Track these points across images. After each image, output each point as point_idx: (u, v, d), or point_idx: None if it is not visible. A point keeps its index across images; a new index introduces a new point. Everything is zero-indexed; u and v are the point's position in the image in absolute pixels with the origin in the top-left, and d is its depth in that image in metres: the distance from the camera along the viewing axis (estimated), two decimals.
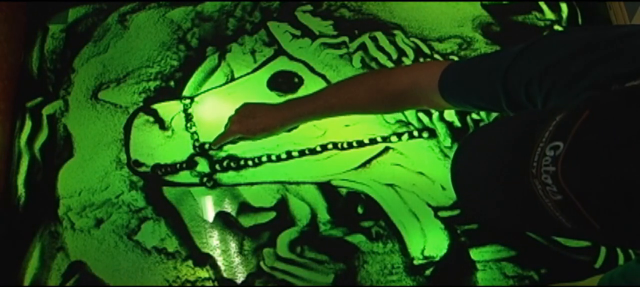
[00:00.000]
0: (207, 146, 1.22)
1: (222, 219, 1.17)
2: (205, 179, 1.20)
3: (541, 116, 0.46)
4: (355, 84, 0.89)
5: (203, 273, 1.12)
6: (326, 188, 1.18)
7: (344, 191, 1.18)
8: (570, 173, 0.40)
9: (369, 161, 1.20)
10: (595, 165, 0.39)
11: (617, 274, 0.72)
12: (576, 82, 0.51)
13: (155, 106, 1.28)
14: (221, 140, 1.13)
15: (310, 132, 1.22)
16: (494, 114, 1.22)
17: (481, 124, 1.20)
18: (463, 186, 0.53)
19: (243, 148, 1.22)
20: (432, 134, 1.21)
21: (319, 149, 1.21)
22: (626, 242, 0.42)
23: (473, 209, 0.54)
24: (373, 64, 1.28)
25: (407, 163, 1.19)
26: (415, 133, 1.21)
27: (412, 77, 0.78)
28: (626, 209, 0.38)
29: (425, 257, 1.11)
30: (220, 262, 1.13)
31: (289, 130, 1.14)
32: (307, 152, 1.21)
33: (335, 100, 0.91)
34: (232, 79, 1.31)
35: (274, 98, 1.27)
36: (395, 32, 1.33)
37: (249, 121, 1.02)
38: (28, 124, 1.30)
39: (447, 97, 0.73)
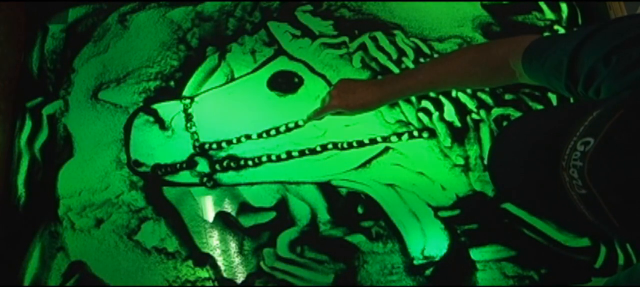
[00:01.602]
0: (301, 122, 1.21)
1: (222, 219, 1.17)
2: (205, 179, 1.20)
3: (581, 110, 0.46)
4: (454, 59, 0.90)
5: (203, 273, 1.12)
6: (326, 188, 1.18)
7: (344, 191, 1.18)
8: (595, 170, 0.41)
9: (369, 161, 1.20)
10: (620, 165, 0.39)
11: (623, 277, 0.72)
12: (630, 71, 0.51)
13: (155, 106, 1.28)
14: (319, 114, 1.10)
15: (310, 132, 1.22)
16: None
17: (481, 124, 1.20)
18: (500, 166, 0.54)
19: (243, 148, 1.22)
20: (432, 134, 1.21)
21: (319, 149, 1.21)
22: None
23: (506, 188, 0.56)
24: (373, 64, 1.28)
25: (407, 163, 1.19)
26: (415, 133, 1.21)
27: (507, 49, 0.78)
28: None
29: (425, 257, 1.11)
30: (220, 262, 1.13)
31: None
32: (307, 152, 1.21)
33: (434, 75, 0.91)
34: (232, 79, 1.31)
35: (274, 98, 1.27)
36: (395, 32, 1.33)
37: (349, 96, 1.02)
38: (28, 124, 1.30)
39: (527, 70, 0.73)
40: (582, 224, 0.47)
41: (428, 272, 1.10)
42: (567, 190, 0.44)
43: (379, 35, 1.33)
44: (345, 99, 1.02)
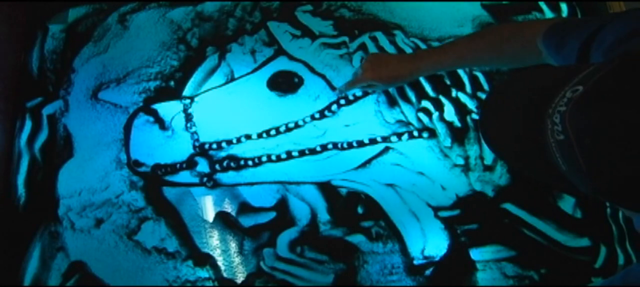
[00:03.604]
0: (336, 93, 1.23)
1: (222, 219, 1.17)
2: (205, 179, 1.20)
3: (582, 65, 0.47)
4: (486, 36, 0.91)
5: (203, 273, 1.12)
6: (326, 188, 1.18)
7: (344, 191, 1.18)
8: (576, 114, 0.41)
9: (369, 161, 1.20)
10: (601, 111, 0.40)
11: (619, 277, 0.72)
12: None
13: (155, 106, 1.28)
14: (351, 86, 1.13)
15: (310, 132, 1.22)
16: None
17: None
18: (492, 116, 0.54)
19: (243, 148, 1.22)
20: (432, 134, 1.21)
21: (319, 149, 1.21)
22: (607, 193, 0.43)
23: (495, 143, 0.56)
24: None
25: (407, 163, 1.19)
26: (415, 133, 1.21)
27: (536, 29, 0.79)
28: (619, 156, 0.39)
29: (425, 257, 1.11)
30: (220, 262, 1.13)
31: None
32: (307, 152, 1.21)
33: (466, 51, 0.93)
34: (232, 79, 1.31)
35: (274, 98, 1.27)
36: (395, 32, 1.33)
37: (382, 69, 1.04)
38: (28, 124, 1.30)
39: (546, 53, 0.74)
40: (555, 177, 0.47)
41: (428, 272, 1.10)
42: (547, 138, 0.45)
43: (379, 35, 1.32)
44: (378, 71, 1.04)
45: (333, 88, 1.26)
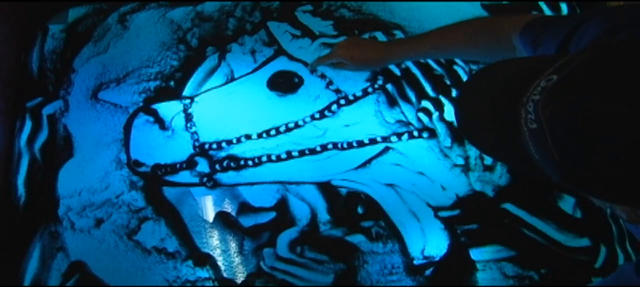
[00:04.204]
0: (309, 67, 1.24)
1: (222, 219, 1.17)
2: (205, 179, 1.20)
3: (558, 55, 0.48)
4: (461, 27, 0.92)
5: (203, 273, 1.12)
6: (326, 188, 1.18)
7: (344, 191, 1.18)
8: (549, 104, 0.42)
9: (369, 161, 1.20)
10: (573, 101, 0.41)
11: (611, 278, 0.73)
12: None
13: (155, 106, 1.28)
14: (321, 61, 1.14)
15: (310, 132, 1.22)
16: None
17: None
18: (466, 103, 0.55)
19: (243, 148, 1.22)
20: (432, 134, 1.21)
21: (319, 149, 1.21)
22: (577, 182, 0.44)
23: (470, 132, 0.57)
24: None
25: (407, 163, 1.19)
26: (415, 133, 1.21)
27: (511, 24, 0.80)
28: (590, 146, 0.40)
29: (425, 257, 1.11)
30: (220, 262, 1.13)
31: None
32: (307, 152, 1.21)
33: (440, 41, 0.94)
34: (232, 79, 1.31)
35: (274, 98, 1.26)
36: (395, 32, 1.33)
37: (355, 50, 1.06)
38: (28, 124, 1.30)
39: (522, 49, 0.75)
40: (529, 166, 0.48)
41: (428, 272, 1.10)
42: (521, 127, 0.45)
43: (379, 35, 1.32)
44: (350, 51, 1.06)
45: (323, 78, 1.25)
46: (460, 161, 1.18)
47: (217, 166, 1.21)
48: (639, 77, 0.40)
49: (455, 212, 1.14)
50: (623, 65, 0.42)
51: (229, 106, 1.27)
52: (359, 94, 1.24)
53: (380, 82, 1.26)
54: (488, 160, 1.17)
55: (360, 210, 1.16)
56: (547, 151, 0.43)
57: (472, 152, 1.19)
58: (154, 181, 1.21)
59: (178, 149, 1.23)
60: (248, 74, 1.31)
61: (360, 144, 1.21)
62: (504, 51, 0.84)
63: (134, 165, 1.23)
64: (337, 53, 1.08)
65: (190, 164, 1.21)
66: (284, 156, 1.21)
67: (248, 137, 1.23)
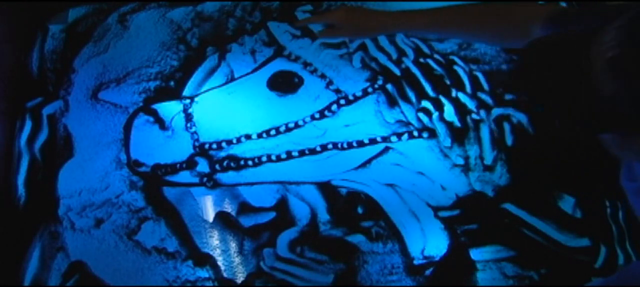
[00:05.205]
0: (297, 24, 1.24)
1: (222, 219, 1.17)
2: (205, 179, 1.20)
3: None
4: (468, 9, 0.91)
5: (203, 273, 1.12)
6: (326, 188, 1.18)
7: (344, 191, 1.18)
8: (631, 28, 0.47)
9: (369, 161, 1.20)
10: None
11: (615, 277, 0.73)
12: None
13: (155, 106, 1.28)
14: (315, 20, 1.12)
15: (310, 132, 1.22)
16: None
17: (481, 124, 1.20)
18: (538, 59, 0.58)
19: (243, 148, 1.22)
20: (432, 134, 1.21)
21: (319, 149, 1.21)
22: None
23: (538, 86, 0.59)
24: (373, 64, 1.28)
25: (407, 163, 1.19)
26: (415, 133, 1.21)
27: (530, 13, 0.80)
28: None
29: (425, 257, 1.11)
30: (220, 262, 1.13)
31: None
32: (307, 152, 1.21)
33: (441, 18, 0.92)
34: (232, 79, 1.31)
35: (274, 98, 1.26)
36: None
37: (349, 15, 1.03)
38: (28, 124, 1.30)
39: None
40: (595, 107, 0.50)
41: (428, 272, 1.10)
42: (596, 58, 0.48)
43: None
44: (344, 16, 1.02)
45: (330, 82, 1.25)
46: (460, 161, 1.18)
47: (217, 166, 1.21)
48: None
49: (455, 212, 1.14)
50: None
51: (229, 106, 1.27)
52: (359, 94, 1.24)
53: (380, 82, 1.26)
54: (488, 160, 1.17)
55: (360, 210, 1.16)
56: (627, 76, 0.45)
57: (472, 152, 1.19)
58: (154, 181, 1.21)
59: (178, 149, 1.23)
60: (248, 74, 1.31)
61: (360, 144, 1.21)
62: (514, 38, 0.83)
63: (134, 165, 1.23)
64: (333, 15, 1.05)
65: (190, 164, 1.21)
66: (284, 155, 1.21)
67: (248, 137, 1.23)
